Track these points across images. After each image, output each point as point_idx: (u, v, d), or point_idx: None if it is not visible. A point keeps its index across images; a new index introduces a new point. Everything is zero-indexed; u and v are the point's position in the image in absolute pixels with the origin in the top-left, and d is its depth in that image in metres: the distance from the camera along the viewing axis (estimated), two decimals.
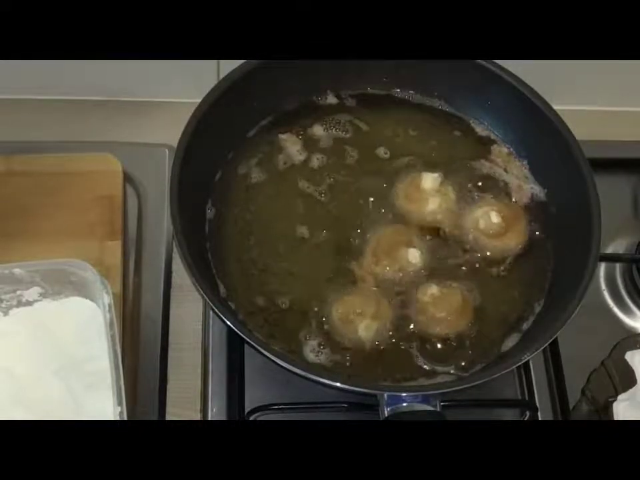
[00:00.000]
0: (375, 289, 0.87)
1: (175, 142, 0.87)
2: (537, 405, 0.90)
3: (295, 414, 0.85)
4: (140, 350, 0.90)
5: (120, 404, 0.75)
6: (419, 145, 0.97)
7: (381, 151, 0.96)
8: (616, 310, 1.00)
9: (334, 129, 0.96)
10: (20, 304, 0.84)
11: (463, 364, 0.85)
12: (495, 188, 0.95)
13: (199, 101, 0.89)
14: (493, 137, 0.98)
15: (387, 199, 0.93)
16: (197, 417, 0.88)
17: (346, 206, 0.92)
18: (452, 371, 0.85)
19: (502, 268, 0.90)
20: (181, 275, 0.95)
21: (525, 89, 0.93)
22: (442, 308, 0.86)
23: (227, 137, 0.93)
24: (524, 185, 0.95)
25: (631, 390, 0.87)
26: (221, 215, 0.91)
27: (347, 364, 0.84)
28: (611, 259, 1.01)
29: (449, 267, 0.90)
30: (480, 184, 0.95)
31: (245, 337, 0.80)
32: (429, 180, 0.92)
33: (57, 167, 0.97)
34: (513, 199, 0.94)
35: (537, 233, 0.93)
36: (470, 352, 0.86)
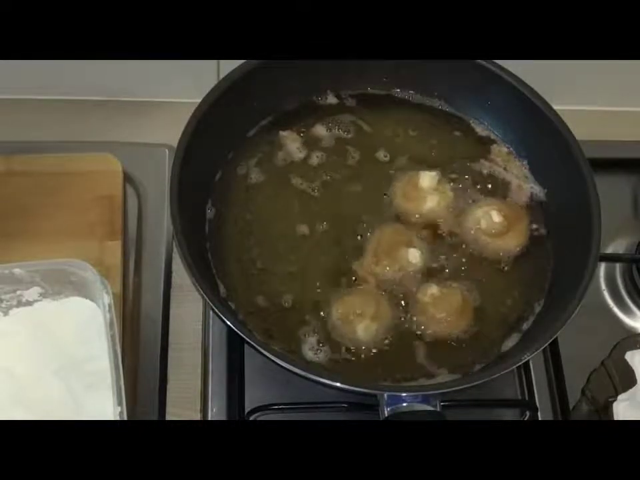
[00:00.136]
0: (375, 289, 0.87)
1: (174, 142, 0.87)
2: (537, 404, 0.90)
3: (295, 414, 0.85)
4: (140, 350, 0.90)
5: (120, 404, 0.75)
6: (419, 145, 0.97)
7: (381, 153, 0.96)
8: (616, 310, 1.00)
9: (336, 129, 0.96)
10: (20, 304, 0.84)
11: (463, 364, 0.85)
12: (495, 188, 0.95)
13: (198, 101, 0.89)
14: (492, 136, 0.98)
15: (386, 198, 0.93)
16: (197, 416, 0.88)
17: (346, 205, 0.92)
18: (452, 371, 0.85)
19: (502, 268, 0.91)
20: (181, 275, 0.95)
21: (525, 89, 0.93)
22: (442, 308, 0.86)
23: (227, 136, 0.93)
24: (524, 184, 0.95)
25: (631, 390, 0.87)
26: (220, 215, 0.91)
27: (347, 364, 0.84)
28: (611, 259, 1.01)
29: (449, 267, 0.90)
30: (480, 184, 0.95)
31: (244, 336, 0.80)
32: (427, 178, 0.92)
33: (56, 167, 0.97)
34: (513, 199, 0.94)
35: (537, 232, 0.93)
36: (470, 352, 0.86)
